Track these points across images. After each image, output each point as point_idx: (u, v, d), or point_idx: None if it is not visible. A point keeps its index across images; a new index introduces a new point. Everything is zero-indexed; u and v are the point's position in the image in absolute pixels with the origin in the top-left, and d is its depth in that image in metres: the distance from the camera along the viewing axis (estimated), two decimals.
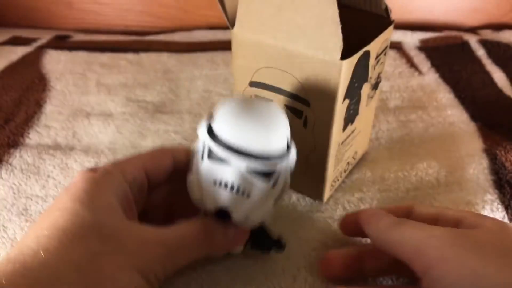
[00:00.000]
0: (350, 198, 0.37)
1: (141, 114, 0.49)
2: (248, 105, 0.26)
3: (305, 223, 0.35)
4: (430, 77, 0.57)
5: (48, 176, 0.40)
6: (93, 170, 0.26)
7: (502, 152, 0.42)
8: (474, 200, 0.36)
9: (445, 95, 0.53)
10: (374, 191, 0.38)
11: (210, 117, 0.27)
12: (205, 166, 0.26)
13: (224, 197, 0.25)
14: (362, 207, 0.36)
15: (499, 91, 0.53)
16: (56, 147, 0.44)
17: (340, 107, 0.31)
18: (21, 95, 0.52)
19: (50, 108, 0.50)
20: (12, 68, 0.59)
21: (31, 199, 0.37)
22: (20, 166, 0.41)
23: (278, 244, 0.30)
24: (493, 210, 0.35)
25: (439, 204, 0.36)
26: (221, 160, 0.25)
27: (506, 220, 0.35)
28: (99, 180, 0.25)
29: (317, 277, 0.30)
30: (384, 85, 0.54)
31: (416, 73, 0.57)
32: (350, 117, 0.34)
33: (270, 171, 0.26)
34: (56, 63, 0.60)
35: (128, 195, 0.26)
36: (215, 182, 0.25)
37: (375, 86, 0.37)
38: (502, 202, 0.36)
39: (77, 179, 0.25)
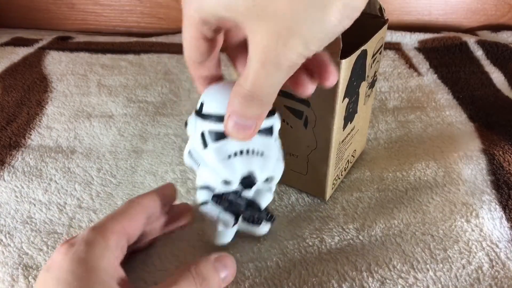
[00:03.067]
0: (349, 198, 0.38)
1: (142, 116, 0.49)
2: (228, 83, 0.28)
3: (302, 222, 0.35)
4: (429, 78, 0.57)
5: (51, 180, 0.40)
6: (71, 243, 0.24)
7: (500, 153, 0.42)
8: (472, 200, 0.37)
9: (443, 96, 0.53)
10: (372, 190, 0.38)
11: (196, 110, 0.28)
12: (212, 149, 0.27)
13: (244, 163, 0.27)
14: (360, 206, 0.37)
15: (497, 92, 0.54)
16: (58, 149, 0.44)
17: (340, 106, 0.32)
18: (23, 96, 0.53)
19: (51, 109, 0.51)
20: (14, 69, 0.59)
21: (35, 205, 0.37)
22: (22, 169, 0.41)
23: (268, 217, 0.31)
24: (491, 210, 0.36)
25: (438, 204, 0.37)
26: (225, 134, 0.26)
27: (504, 220, 0.35)
28: (84, 257, 0.23)
29: (312, 272, 0.31)
30: (383, 86, 0.55)
31: (415, 74, 0.58)
32: (350, 115, 0.35)
33: (269, 126, 0.28)
34: (57, 64, 0.60)
35: (115, 263, 0.24)
36: (229, 156, 0.27)
37: (371, 85, 0.37)
38: (500, 202, 0.37)
39: (57, 258, 0.23)
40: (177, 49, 0.65)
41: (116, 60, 0.61)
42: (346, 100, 0.32)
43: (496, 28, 0.73)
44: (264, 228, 0.33)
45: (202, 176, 0.29)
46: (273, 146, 0.29)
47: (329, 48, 0.29)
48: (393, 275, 0.31)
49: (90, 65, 0.60)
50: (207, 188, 0.30)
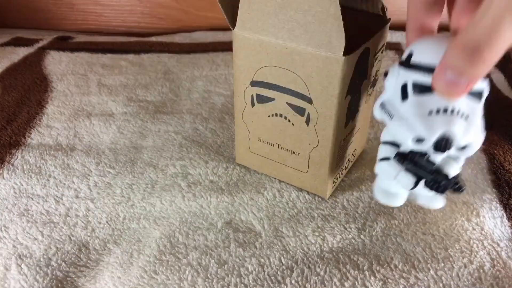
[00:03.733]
0: (349, 197, 0.38)
1: (142, 115, 0.49)
2: (445, 35, 0.26)
3: (304, 219, 0.35)
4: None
5: (50, 176, 0.40)
6: None
7: (501, 152, 0.42)
8: (473, 199, 0.37)
9: None
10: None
11: (401, 61, 0.27)
12: (412, 102, 0.25)
13: (445, 122, 0.25)
14: (361, 205, 0.37)
15: (497, 92, 0.54)
16: (58, 147, 0.44)
17: (342, 104, 0.32)
18: (23, 95, 0.53)
19: (51, 108, 0.51)
20: (14, 68, 0.59)
21: (32, 199, 0.38)
22: (22, 167, 0.41)
23: (457, 185, 0.27)
24: (492, 209, 0.36)
25: None
26: (431, 88, 0.24)
27: (504, 218, 0.35)
28: None
29: (314, 270, 0.31)
30: (383, 86, 0.55)
31: None
32: (351, 114, 0.35)
33: (481, 90, 0.25)
34: (58, 64, 0.60)
35: None
36: (430, 112, 0.25)
37: (373, 84, 0.37)
38: (501, 201, 0.37)
39: None
40: (177, 48, 0.65)
41: (116, 60, 0.61)
42: (349, 98, 0.32)
43: None
44: (438, 202, 0.30)
45: (391, 130, 0.27)
46: (479, 112, 0.26)
47: (331, 45, 0.29)
48: (395, 274, 0.31)
49: (90, 65, 0.60)
50: (392, 144, 0.28)
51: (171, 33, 0.73)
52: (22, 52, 0.64)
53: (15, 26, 0.77)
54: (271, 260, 0.32)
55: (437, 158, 0.27)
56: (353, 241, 0.33)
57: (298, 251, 0.33)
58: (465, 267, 0.31)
